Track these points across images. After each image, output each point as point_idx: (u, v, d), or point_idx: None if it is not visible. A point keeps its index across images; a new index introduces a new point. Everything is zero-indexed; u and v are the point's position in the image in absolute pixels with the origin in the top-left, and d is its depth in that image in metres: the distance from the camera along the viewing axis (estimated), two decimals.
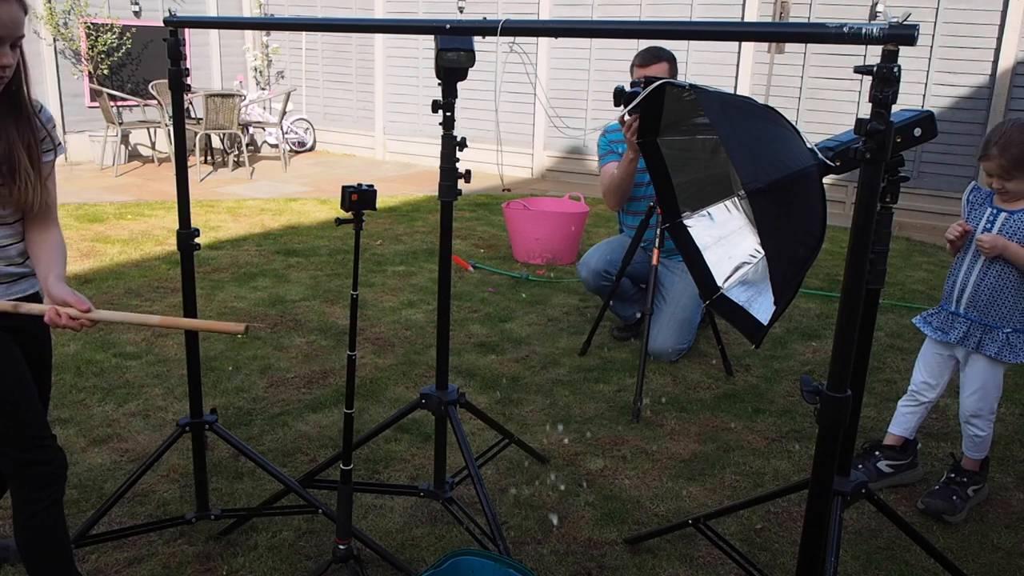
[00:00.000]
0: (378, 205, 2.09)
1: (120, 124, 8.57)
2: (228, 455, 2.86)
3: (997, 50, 7.09)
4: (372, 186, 1.94)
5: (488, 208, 7.31)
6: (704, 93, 1.66)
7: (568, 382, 3.64)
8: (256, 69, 10.71)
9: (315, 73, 10.52)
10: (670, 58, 3.80)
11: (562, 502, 2.67)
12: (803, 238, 1.66)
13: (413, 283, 5.03)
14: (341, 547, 2.12)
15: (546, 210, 5.69)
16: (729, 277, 2.07)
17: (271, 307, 4.47)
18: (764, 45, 7.58)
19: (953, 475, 2.75)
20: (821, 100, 7.81)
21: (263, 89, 10.72)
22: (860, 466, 2.85)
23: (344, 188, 1.91)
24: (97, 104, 8.81)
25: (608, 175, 3.94)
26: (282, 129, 9.54)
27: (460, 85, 2.13)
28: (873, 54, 6.83)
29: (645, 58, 3.77)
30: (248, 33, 10.58)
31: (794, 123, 1.77)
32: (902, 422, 2.90)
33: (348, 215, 1.95)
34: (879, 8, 7.34)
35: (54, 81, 8.83)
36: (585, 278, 4.05)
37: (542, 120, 9.11)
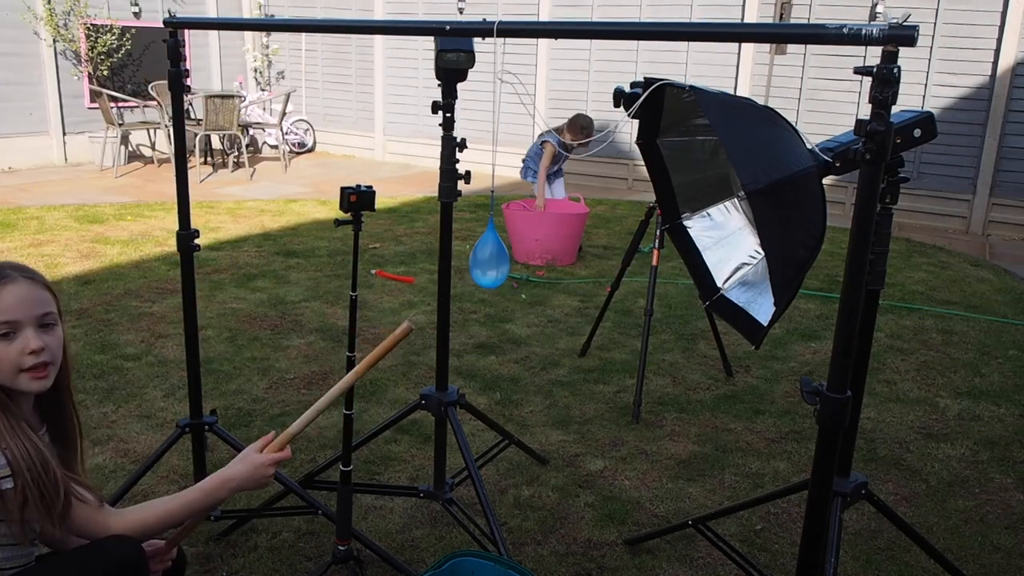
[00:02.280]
0: (378, 206, 2.08)
1: (120, 125, 8.58)
2: (228, 456, 2.85)
3: (997, 50, 7.09)
4: (371, 187, 1.93)
5: (488, 209, 7.31)
6: (704, 94, 1.66)
7: (568, 383, 3.64)
8: (256, 70, 10.71)
9: (315, 74, 10.53)
10: None
11: (562, 503, 2.67)
12: (803, 239, 1.66)
13: (412, 284, 5.03)
14: (341, 548, 2.11)
15: (546, 211, 5.69)
16: (729, 278, 2.07)
17: (271, 308, 4.47)
18: (764, 46, 7.58)
19: None
20: (821, 101, 7.81)
21: (263, 90, 10.72)
22: None
23: (343, 189, 1.90)
24: (97, 105, 8.81)
25: None
26: (282, 130, 9.55)
27: (460, 86, 2.13)
28: (873, 55, 6.83)
29: None
30: (248, 34, 10.58)
31: (794, 124, 1.77)
32: None
33: (347, 216, 1.95)
34: (879, 9, 7.34)
35: (54, 82, 8.84)
36: None
37: (542, 121, 9.11)
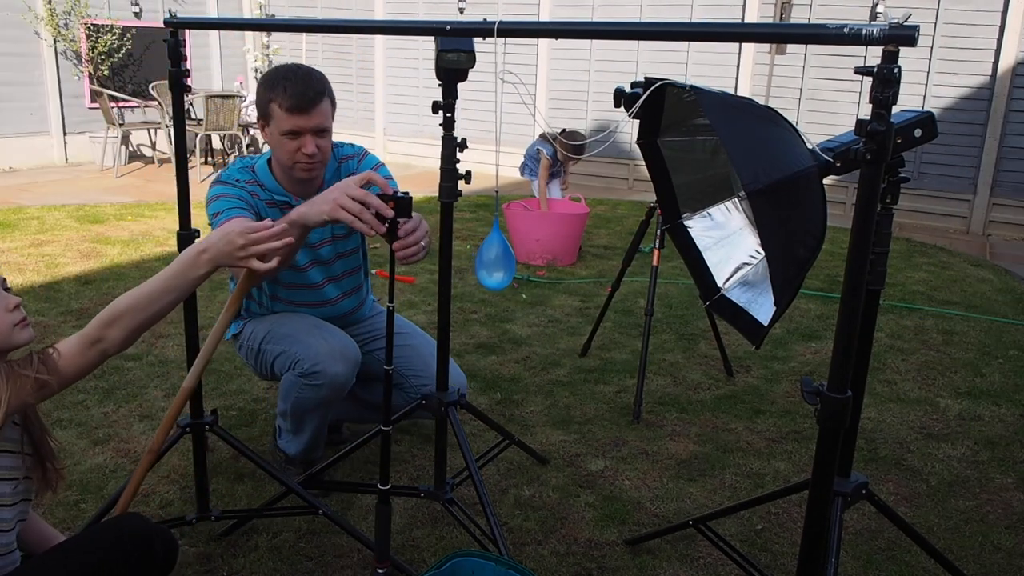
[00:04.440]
0: None
1: (121, 125, 8.58)
2: (229, 456, 2.86)
3: (997, 50, 7.09)
4: (407, 193, 1.78)
5: (489, 209, 7.31)
6: (704, 94, 1.66)
7: (568, 383, 3.64)
8: (256, 70, 10.71)
9: None
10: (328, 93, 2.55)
11: (562, 503, 2.67)
12: (803, 239, 1.66)
13: (413, 284, 5.04)
14: (380, 572, 1.97)
15: (546, 211, 5.69)
16: (729, 278, 2.07)
17: None
18: (764, 46, 7.58)
19: None
20: (821, 101, 7.81)
21: None
22: None
23: (380, 196, 1.78)
24: (98, 105, 8.82)
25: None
26: None
27: (460, 86, 2.13)
28: (873, 55, 6.85)
29: (300, 104, 2.39)
30: (248, 34, 10.58)
31: (794, 124, 1.77)
32: None
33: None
34: (879, 9, 7.34)
35: (54, 82, 8.84)
36: (343, 374, 2.47)
37: (543, 121, 9.11)
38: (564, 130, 5.91)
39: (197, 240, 1.67)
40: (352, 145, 2.79)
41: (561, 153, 5.75)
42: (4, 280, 1.62)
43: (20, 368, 1.53)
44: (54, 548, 1.63)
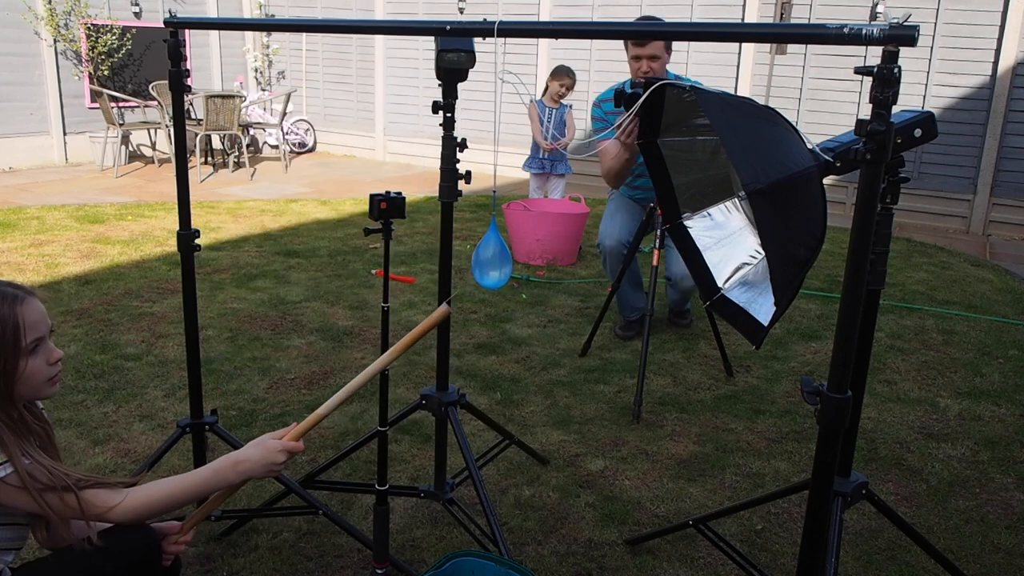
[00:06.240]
0: None
1: (121, 125, 8.58)
2: None
3: (997, 50, 7.09)
4: (400, 193, 1.85)
5: (488, 209, 7.31)
6: (704, 94, 1.67)
7: (568, 383, 3.64)
8: (256, 70, 10.72)
9: (315, 74, 10.53)
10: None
11: (562, 503, 2.67)
12: (803, 239, 1.66)
13: (413, 284, 5.04)
14: (379, 572, 1.99)
15: (547, 211, 5.69)
16: (729, 278, 2.07)
17: (272, 308, 4.47)
18: (765, 46, 7.58)
19: None
20: (822, 101, 7.81)
21: (263, 90, 10.72)
22: None
23: (372, 196, 1.81)
24: (98, 105, 8.82)
25: (608, 157, 3.76)
26: (282, 130, 9.55)
27: (460, 86, 2.13)
28: (873, 55, 6.84)
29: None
30: (248, 34, 10.59)
31: (794, 124, 1.77)
32: None
33: (377, 224, 1.88)
34: (879, 9, 7.34)
35: (54, 82, 8.84)
36: (611, 248, 3.95)
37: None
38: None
39: (237, 453, 1.67)
40: None
41: (552, 92, 5.96)
42: (50, 325, 1.59)
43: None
44: (54, 553, 1.62)
